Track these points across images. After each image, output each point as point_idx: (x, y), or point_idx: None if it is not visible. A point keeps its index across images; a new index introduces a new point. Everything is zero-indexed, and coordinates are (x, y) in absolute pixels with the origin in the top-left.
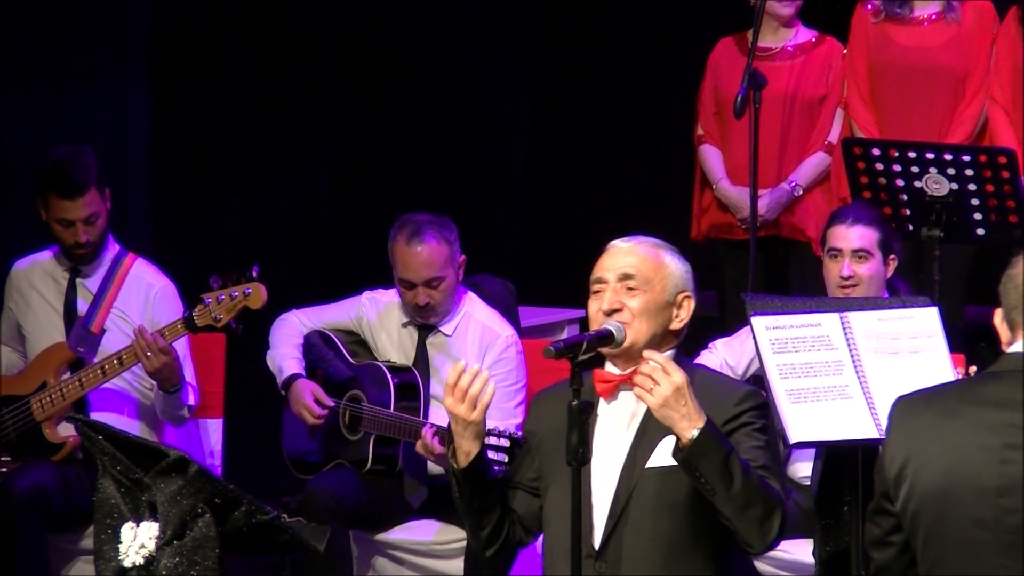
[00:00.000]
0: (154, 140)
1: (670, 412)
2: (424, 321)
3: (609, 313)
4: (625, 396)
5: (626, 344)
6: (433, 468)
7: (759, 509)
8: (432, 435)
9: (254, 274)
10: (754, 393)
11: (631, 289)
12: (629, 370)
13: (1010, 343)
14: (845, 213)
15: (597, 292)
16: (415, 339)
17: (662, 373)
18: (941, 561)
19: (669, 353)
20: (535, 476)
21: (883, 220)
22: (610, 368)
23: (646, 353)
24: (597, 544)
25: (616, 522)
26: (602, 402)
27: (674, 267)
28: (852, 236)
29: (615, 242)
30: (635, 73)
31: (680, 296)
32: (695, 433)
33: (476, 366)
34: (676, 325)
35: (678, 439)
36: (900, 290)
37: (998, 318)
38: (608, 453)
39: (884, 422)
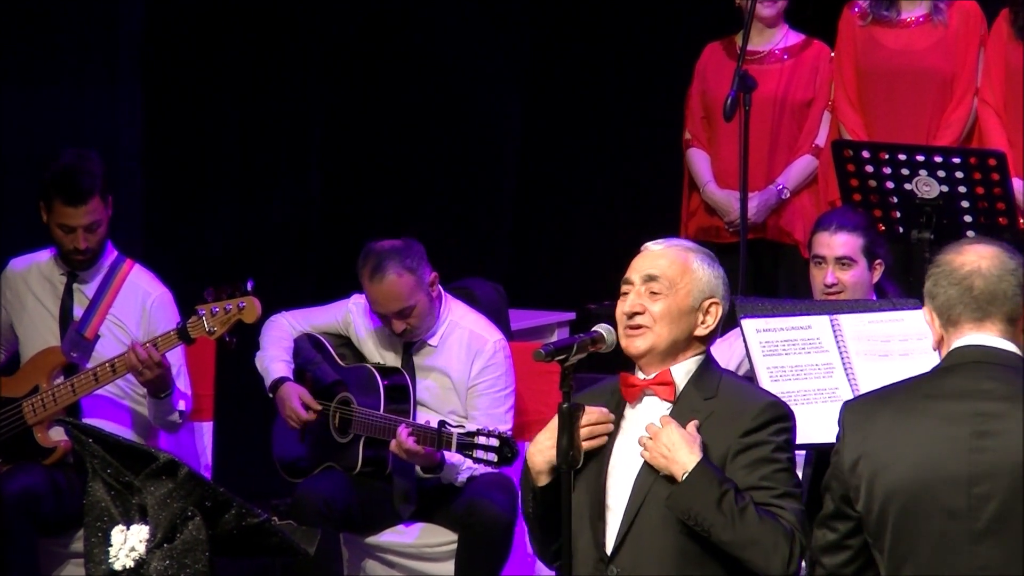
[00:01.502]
0: (145, 145)
1: (664, 464)
2: (406, 340)
3: (630, 315)
4: (649, 401)
5: (644, 348)
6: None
7: (762, 546)
8: (407, 435)
9: (248, 288)
10: (773, 405)
11: (654, 293)
12: (652, 375)
13: (943, 340)
14: (829, 220)
15: (624, 293)
16: (401, 350)
17: (654, 427)
18: (912, 556)
19: (696, 359)
20: None
21: (868, 226)
22: (637, 372)
23: (650, 428)
24: (610, 547)
25: (630, 525)
26: (627, 406)
27: (702, 272)
28: (835, 243)
29: (648, 244)
30: (624, 77)
31: (707, 302)
32: (682, 474)
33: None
34: (701, 331)
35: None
36: (889, 293)
37: (927, 316)
38: (628, 457)
39: None
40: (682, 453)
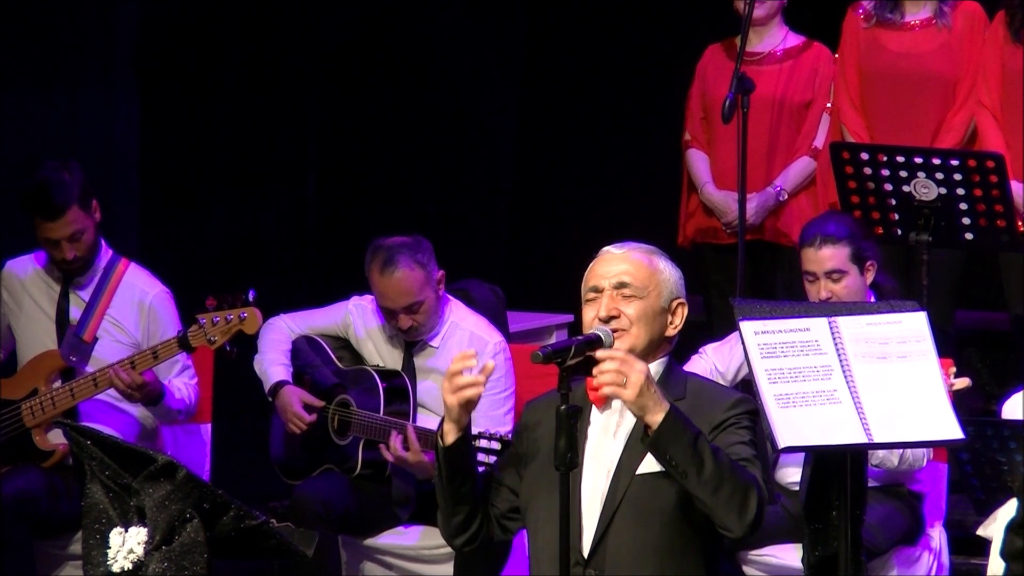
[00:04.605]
0: (142, 147)
1: (645, 400)
2: (410, 339)
3: (606, 320)
4: (617, 403)
5: (625, 350)
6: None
7: (734, 490)
8: (401, 443)
9: (250, 298)
10: (745, 400)
11: (627, 297)
12: None
13: None
14: (812, 233)
15: (592, 300)
16: (401, 351)
17: (629, 365)
18: None
19: (663, 360)
20: (519, 477)
21: (852, 232)
22: None
23: (599, 354)
24: (586, 550)
25: (606, 528)
26: (594, 409)
27: (668, 274)
28: (822, 258)
29: (608, 248)
30: (622, 78)
31: (674, 303)
32: (662, 416)
33: (482, 363)
34: (670, 332)
35: (647, 427)
36: (884, 286)
37: None
38: (598, 459)
39: (873, 427)
40: (660, 396)
